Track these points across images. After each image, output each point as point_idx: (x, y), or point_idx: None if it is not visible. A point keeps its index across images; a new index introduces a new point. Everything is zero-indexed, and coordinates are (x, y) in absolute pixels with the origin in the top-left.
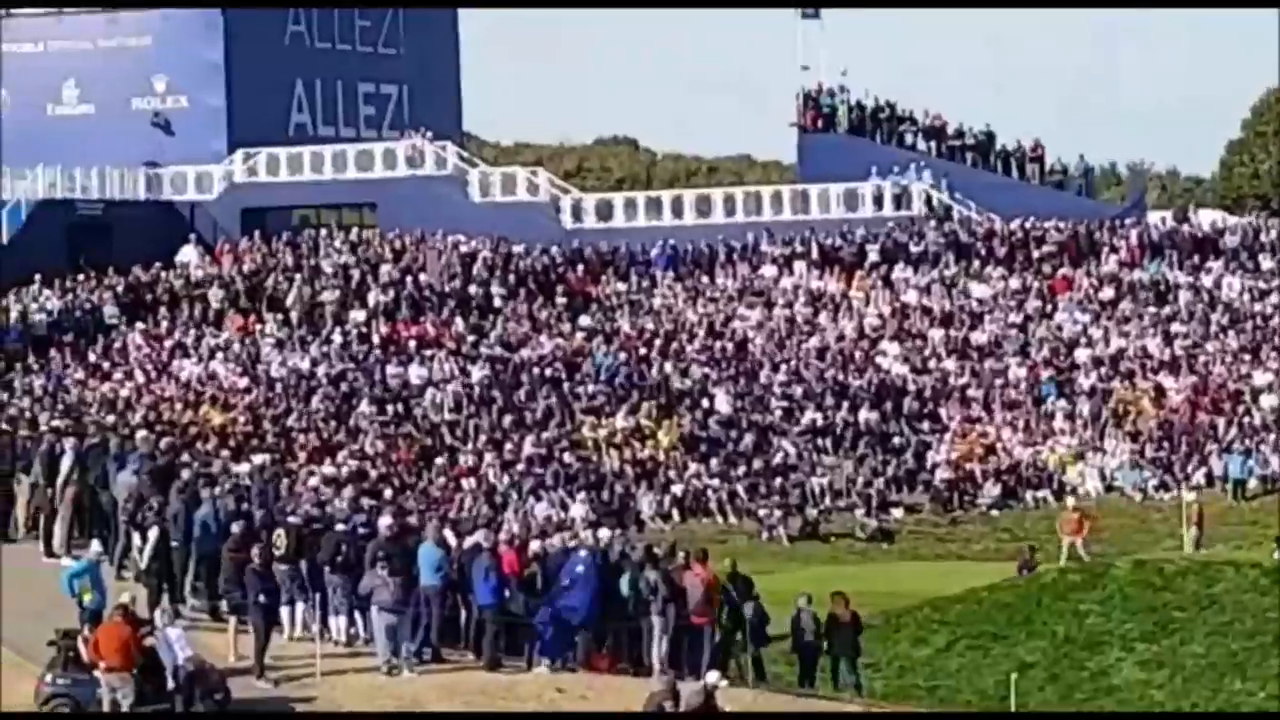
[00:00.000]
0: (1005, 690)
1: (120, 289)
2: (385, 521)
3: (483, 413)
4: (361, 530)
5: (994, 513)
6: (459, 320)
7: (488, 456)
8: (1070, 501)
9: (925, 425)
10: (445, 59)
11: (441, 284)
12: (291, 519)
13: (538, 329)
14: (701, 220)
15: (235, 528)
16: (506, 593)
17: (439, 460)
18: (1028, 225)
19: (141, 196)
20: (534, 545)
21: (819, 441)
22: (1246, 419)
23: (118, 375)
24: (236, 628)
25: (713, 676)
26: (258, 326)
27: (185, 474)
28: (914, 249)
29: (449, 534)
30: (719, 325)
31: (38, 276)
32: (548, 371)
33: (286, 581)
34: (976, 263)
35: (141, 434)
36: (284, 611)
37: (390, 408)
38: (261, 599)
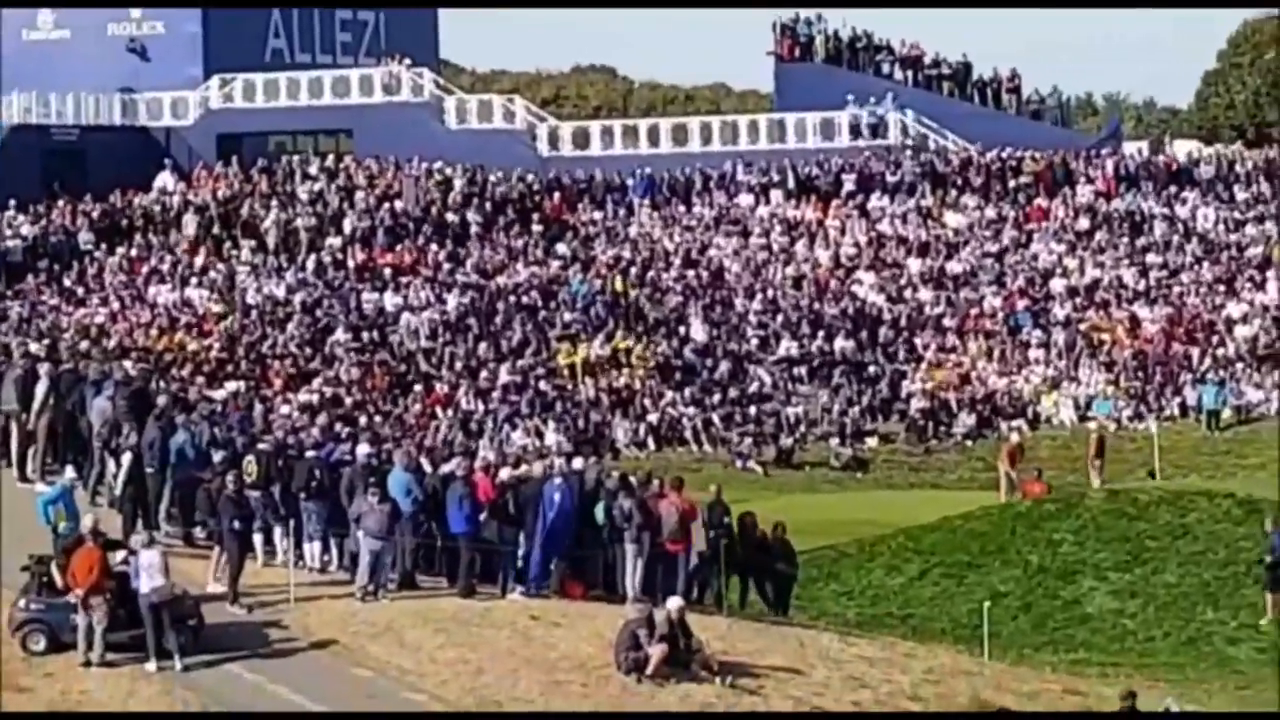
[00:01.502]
0: (978, 619)
1: (95, 215)
2: (365, 449)
3: (458, 340)
4: (336, 457)
5: (969, 442)
6: (435, 247)
7: (463, 384)
8: (1005, 430)
9: (901, 354)
10: None
11: (417, 211)
12: (262, 445)
13: (513, 257)
14: (678, 149)
15: (217, 456)
16: (481, 520)
17: (415, 388)
18: (1004, 155)
19: (117, 122)
20: (509, 473)
21: (794, 370)
22: (1220, 350)
23: (93, 301)
24: (218, 555)
25: (674, 602)
26: (233, 253)
27: (161, 401)
28: (890, 178)
29: (424, 461)
30: (695, 254)
31: (12, 202)
32: (524, 299)
33: (259, 508)
34: (952, 192)
35: (117, 361)
36: (257, 538)
37: (366, 335)
38: (235, 525)
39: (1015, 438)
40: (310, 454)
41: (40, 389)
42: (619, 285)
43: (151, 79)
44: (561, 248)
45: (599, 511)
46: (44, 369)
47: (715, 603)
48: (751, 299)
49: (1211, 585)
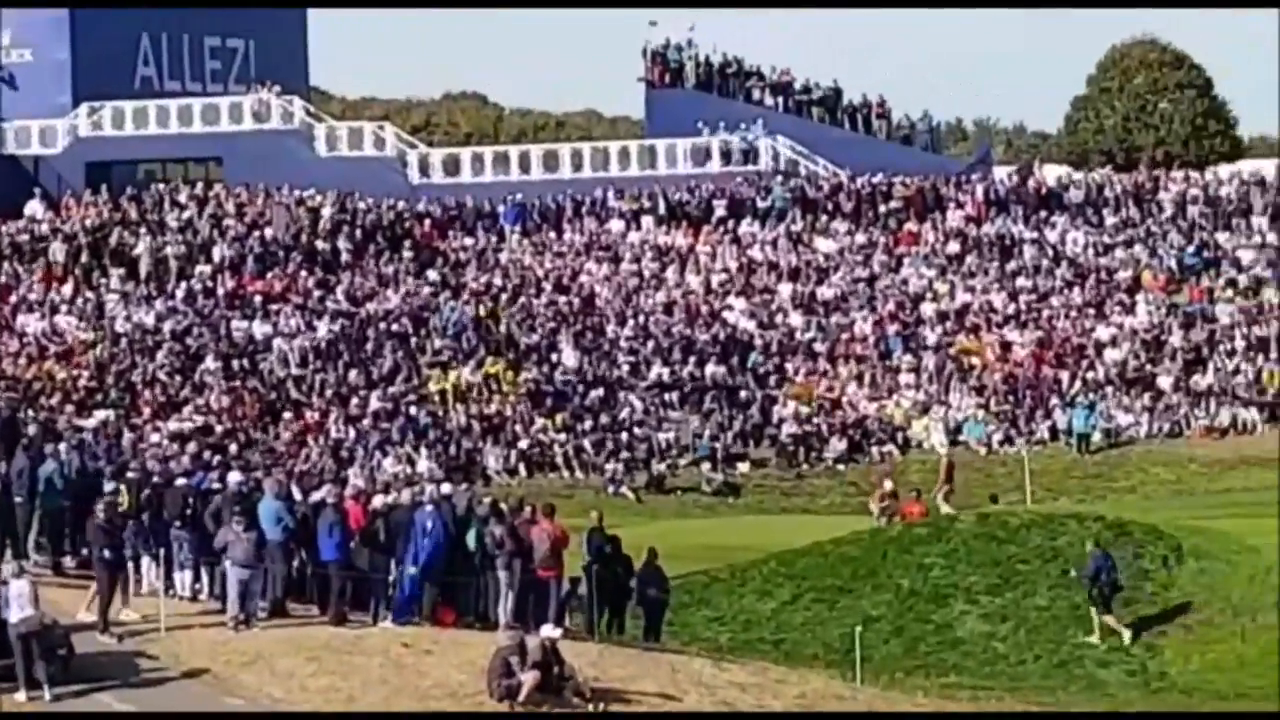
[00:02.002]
0: (850, 643)
1: None
2: (236, 477)
3: (329, 367)
4: (207, 485)
5: (840, 467)
6: (305, 275)
7: (334, 411)
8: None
9: (772, 380)
10: (292, 13)
11: (287, 239)
12: (132, 474)
13: (384, 284)
14: (549, 175)
15: (109, 486)
16: (352, 547)
17: (285, 415)
18: (874, 180)
19: None
20: (380, 500)
21: (665, 396)
22: (1090, 373)
23: None
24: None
25: (547, 629)
26: (102, 281)
27: (30, 430)
28: (761, 204)
29: (294, 489)
30: (566, 280)
31: None
32: (394, 326)
33: (131, 537)
34: (823, 218)
35: None
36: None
37: (236, 363)
38: (105, 554)
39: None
40: (181, 482)
41: None
42: (490, 312)
43: (20, 107)
44: (432, 274)
45: (471, 538)
46: None
47: (588, 629)
48: (623, 325)
49: (1082, 608)
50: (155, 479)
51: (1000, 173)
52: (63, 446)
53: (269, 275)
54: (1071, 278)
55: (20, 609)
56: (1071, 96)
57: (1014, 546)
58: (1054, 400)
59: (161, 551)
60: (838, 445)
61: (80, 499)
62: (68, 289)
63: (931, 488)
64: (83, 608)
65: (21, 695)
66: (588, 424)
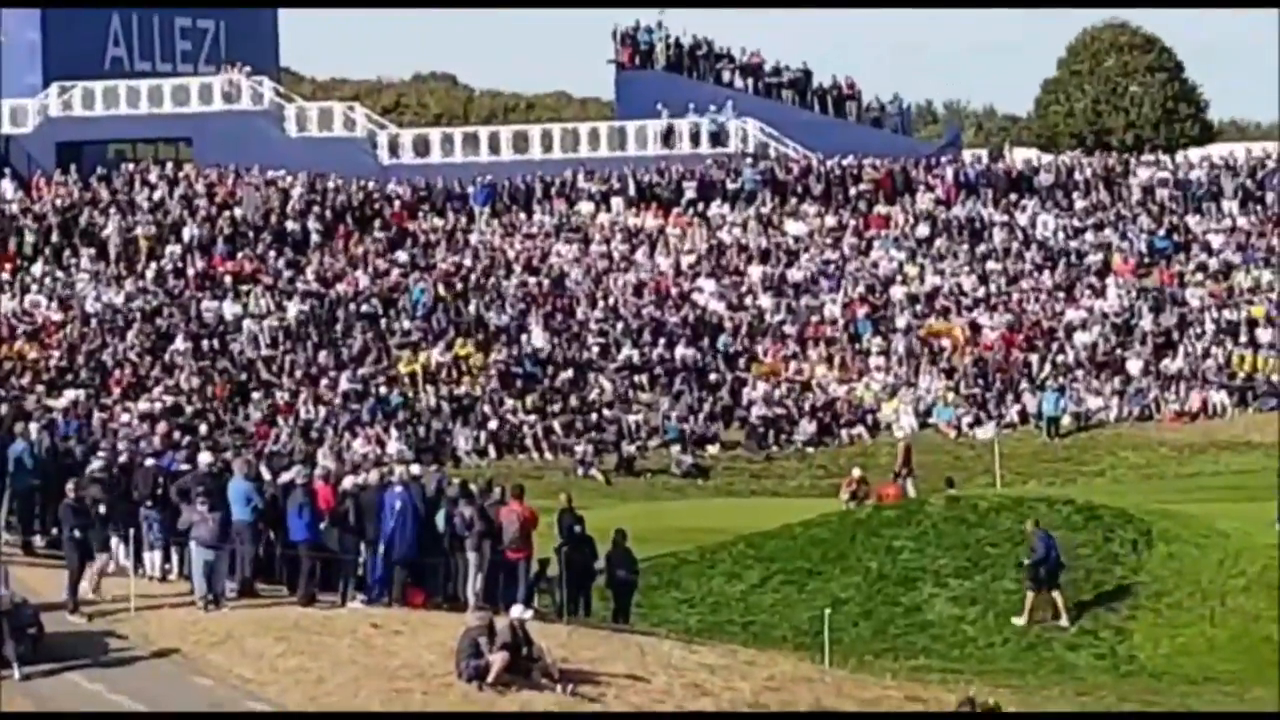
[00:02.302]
0: (819, 626)
1: None
2: (205, 458)
3: (299, 348)
4: (177, 466)
5: (809, 449)
6: (275, 255)
7: (304, 392)
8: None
9: (741, 362)
10: None
11: (257, 219)
12: (103, 454)
13: (354, 264)
14: (519, 156)
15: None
16: (321, 528)
17: (255, 396)
18: (844, 163)
19: None
20: (349, 481)
21: (635, 378)
22: (1060, 356)
23: None
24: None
25: (516, 610)
26: (73, 261)
27: (1, 409)
28: (731, 186)
29: (264, 469)
30: (536, 262)
31: None
32: (364, 307)
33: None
34: (793, 200)
35: None
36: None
37: (206, 343)
38: (75, 534)
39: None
40: (150, 462)
41: None
42: (459, 293)
43: None
44: (402, 255)
45: (440, 519)
46: None
47: (556, 611)
48: (593, 307)
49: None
50: (123, 459)
51: (970, 155)
52: (33, 426)
53: (239, 256)
54: (1041, 261)
55: None
56: (1041, 79)
57: (983, 530)
58: (1024, 383)
59: (131, 532)
60: (807, 428)
61: (50, 479)
62: (38, 269)
63: (898, 472)
64: (89, 586)
65: None
66: (557, 406)
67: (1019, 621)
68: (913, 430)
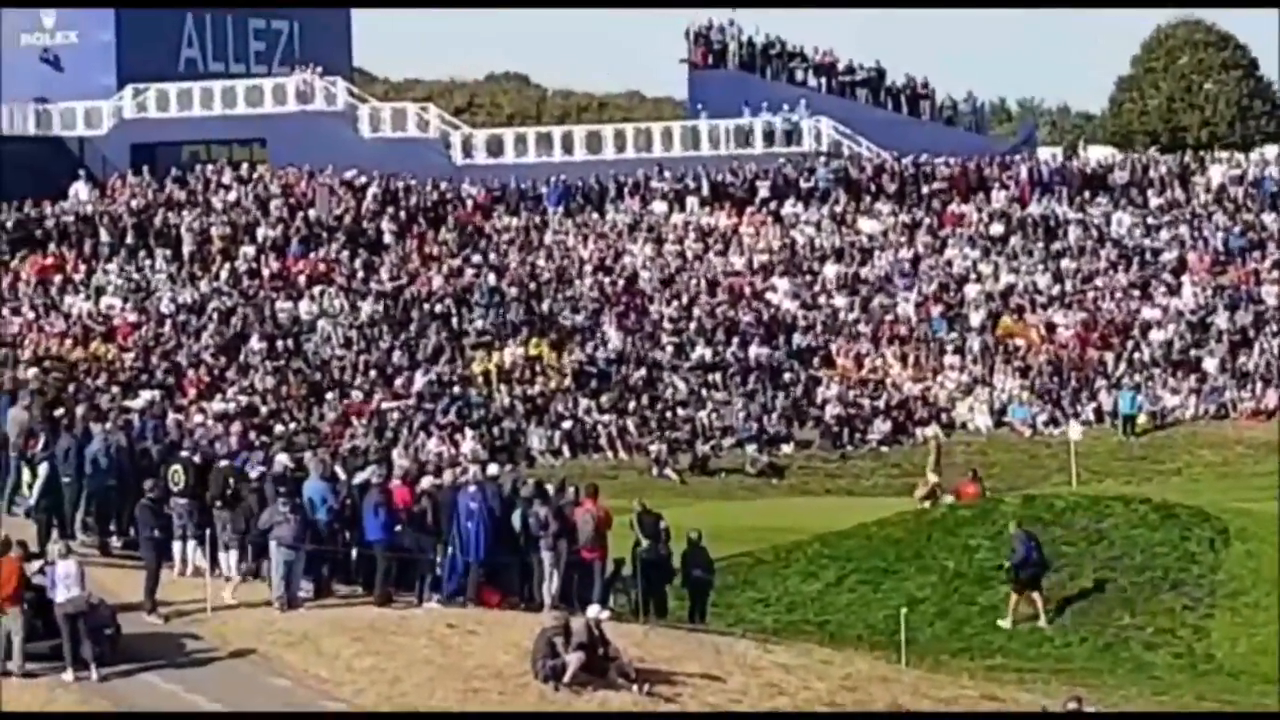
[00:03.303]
0: (895, 625)
1: (9, 225)
2: (283, 458)
3: (373, 348)
4: (251, 466)
5: (884, 448)
6: (349, 256)
7: (378, 392)
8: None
9: (815, 361)
10: None
11: (331, 220)
12: (185, 454)
13: (428, 264)
14: (592, 156)
15: (175, 467)
16: (397, 528)
17: (329, 396)
18: (918, 161)
19: (31, 132)
20: (425, 481)
21: (709, 377)
22: (1135, 354)
23: (5, 312)
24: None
25: (593, 610)
26: (147, 262)
27: (78, 410)
28: (804, 185)
29: (339, 469)
30: (609, 261)
31: None
32: (438, 307)
33: (184, 516)
34: (867, 199)
35: (33, 370)
36: (176, 547)
37: (280, 343)
38: (153, 534)
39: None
40: (224, 463)
41: None
42: (533, 293)
43: (65, 89)
44: (476, 255)
45: (515, 519)
46: None
47: (632, 610)
48: (666, 306)
49: (1128, 591)
50: (199, 459)
51: (1044, 154)
52: (108, 426)
53: (313, 256)
54: (1116, 259)
55: (67, 589)
56: (1116, 77)
57: (1059, 529)
58: (1099, 382)
59: (207, 532)
60: (882, 426)
61: (126, 479)
62: (113, 270)
63: (978, 470)
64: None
65: (69, 675)
66: (631, 405)
67: (1005, 624)
68: (988, 429)
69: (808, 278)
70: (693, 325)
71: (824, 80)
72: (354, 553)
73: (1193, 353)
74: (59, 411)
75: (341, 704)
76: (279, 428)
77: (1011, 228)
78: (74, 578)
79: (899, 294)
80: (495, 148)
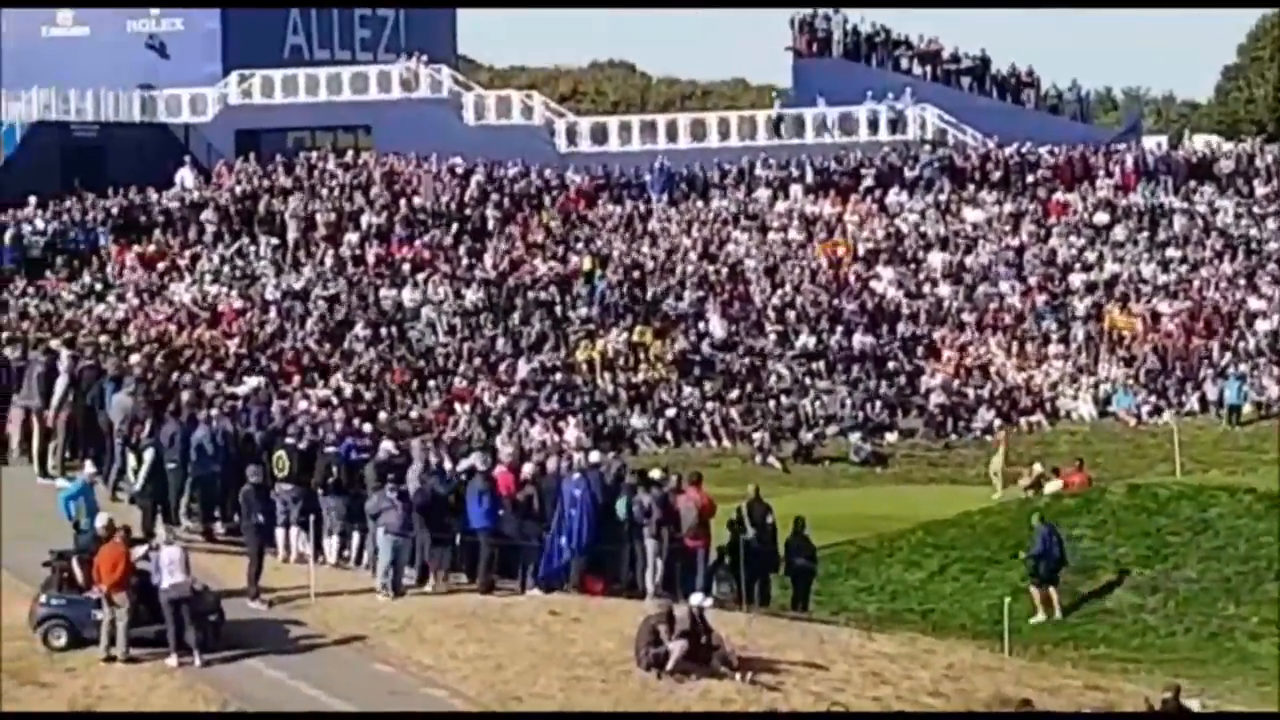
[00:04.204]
0: (998, 614)
1: (115, 211)
2: (387, 445)
3: (476, 335)
4: (355, 453)
5: (988, 437)
6: (453, 243)
7: (482, 379)
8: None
9: (919, 349)
10: None
11: (436, 206)
12: (291, 440)
13: (532, 252)
14: (696, 144)
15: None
16: (501, 515)
17: (433, 383)
18: (1023, 150)
19: (136, 119)
20: (528, 468)
21: (813, 365)
22: (1241, 344)
23: (110, 297)
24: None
25: (696, 598)
26: (252, 249)
27: (183, 396)
28: (909, 173)
29: (443, 456)
30: (713, 249)
31: (32, 198)
32: (542, 294)
33: (288, 502)
34: (971, 187)
35: (135, 356)
36: (280, 533)
37: (384, 330)
38: (256, 520)
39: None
40: (330, 450)
41: (60, 384)
42: (637, 280)
43: (171, 75)
44: (580, 243)
45: (620, 507)
46: (63, 364)
47: (736, 598)
48: (770, 294)
49: (1233, 581)
50: (303, 446)
51: (1150, 142)
52: (214, 413)
53: (417, 243)
54: (1221, 248)
55: (171, 575)
56: (1222, 66)
57: (1164, 518)
58: (1204, 371)
59: (311, 518)
60: (986, 415)
61: (231, 466)
62: (217, 256)
63: (1082, 458)
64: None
65: (173, 660)
66: (735, 393)
67: (1039, 619)
68: (1091, 418)
69: (912, 266)
70: (796, 313)
71: (929, 68)
72: (458, 540)
73: None
74: (164, 398)
75: (444, 691)
76: (383, 414)
77: (1116, 217)
78: (178, 563)
79: (1003, 283)
80: (599, 135)
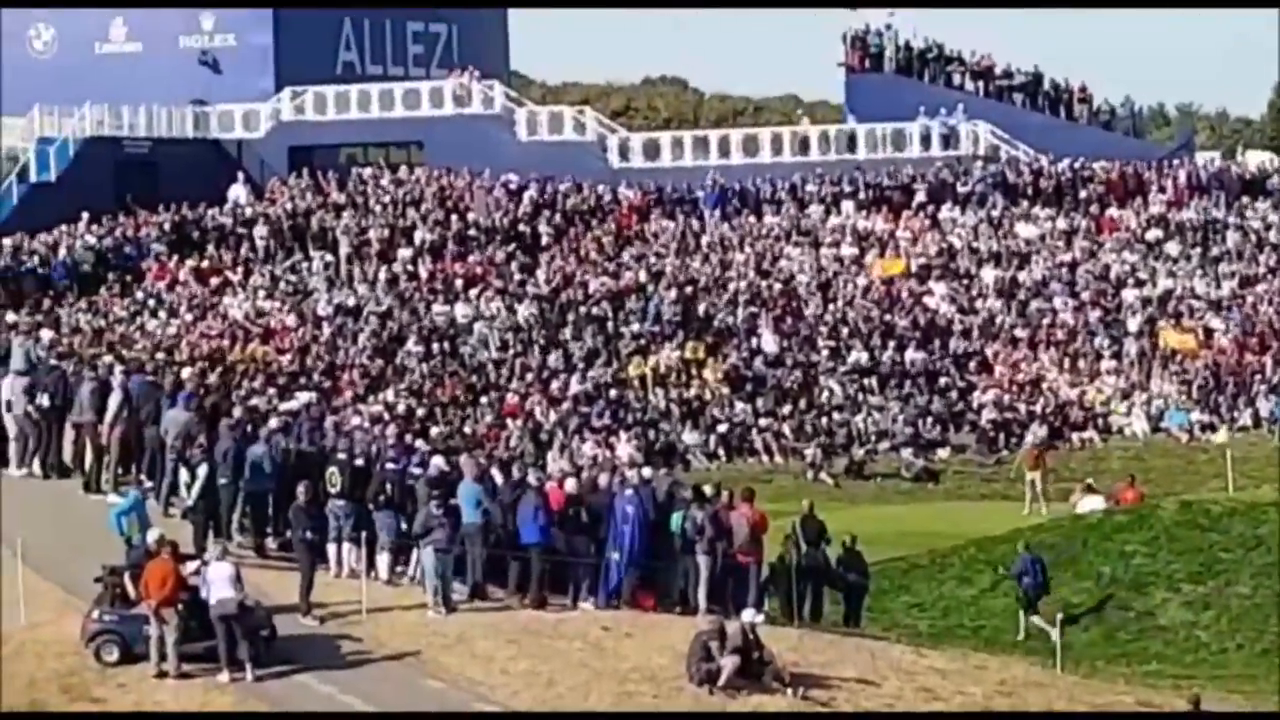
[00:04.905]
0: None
1: (167, 226)
2: (437, 461)
3: (529, 351)
4: (407, 469)
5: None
6: (505, 258)
7: (533, 395)
8: (1029, 438)
9: (971, 365)
10: None
11: (488, 222)
12: (343, 456)
13: (584, 267)
14: (748, 160)
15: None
16: (552, 531)
17: (485, 399)
18: (1075, 165)
19: (189, 134)
20: (581, 484)
21: (865, 381)
22: None
23: (163, 313)
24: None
25: (748, 614)
26: (304, 264)
27: (236, 412)
28: (961, 189)
29: (494, 471)
30: (765, 264)
31: (85, 214)
32: (594, 310)
33: (341, 518)
34: (1024, 203)
35: (188, 371)
36: (331, 549)
37: (436, 346)
38: (307, 536)
39: (1028, 441)
40: (390, 466)
41: (114, 400)
42: (689, 296)
43: (223, 91)
44: (632, 259)
45: (675, 521)
46: (117, 380)
47: (787, 614)
48: (822, 309)
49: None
50: (357, 462)
51: (1202, 158)
52: (273, 426)
53: (470, 258)
54: (1275, 264)
55: (222, 590)
56: (1276, 82)
57: (1216, 534)
58: (1257, 387)
59: (363, 534)
60: (1038, 431)
61: (284, 481)
62: (270, 272)
63: (1135, 474)
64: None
65: (224, 676)
66: (787, 409)
67: (1020, 639)
68: (1144, 434)
69: (964, 282)
70: (848, 329)
71: (981, 84)
72: (509, 555)
73: None
74: (216, 414)
75: (495, 706)
76: (434, 430)
77: (1169, 232)
78: (230, 579)
79: (1056, 298)
80: (652, 151)
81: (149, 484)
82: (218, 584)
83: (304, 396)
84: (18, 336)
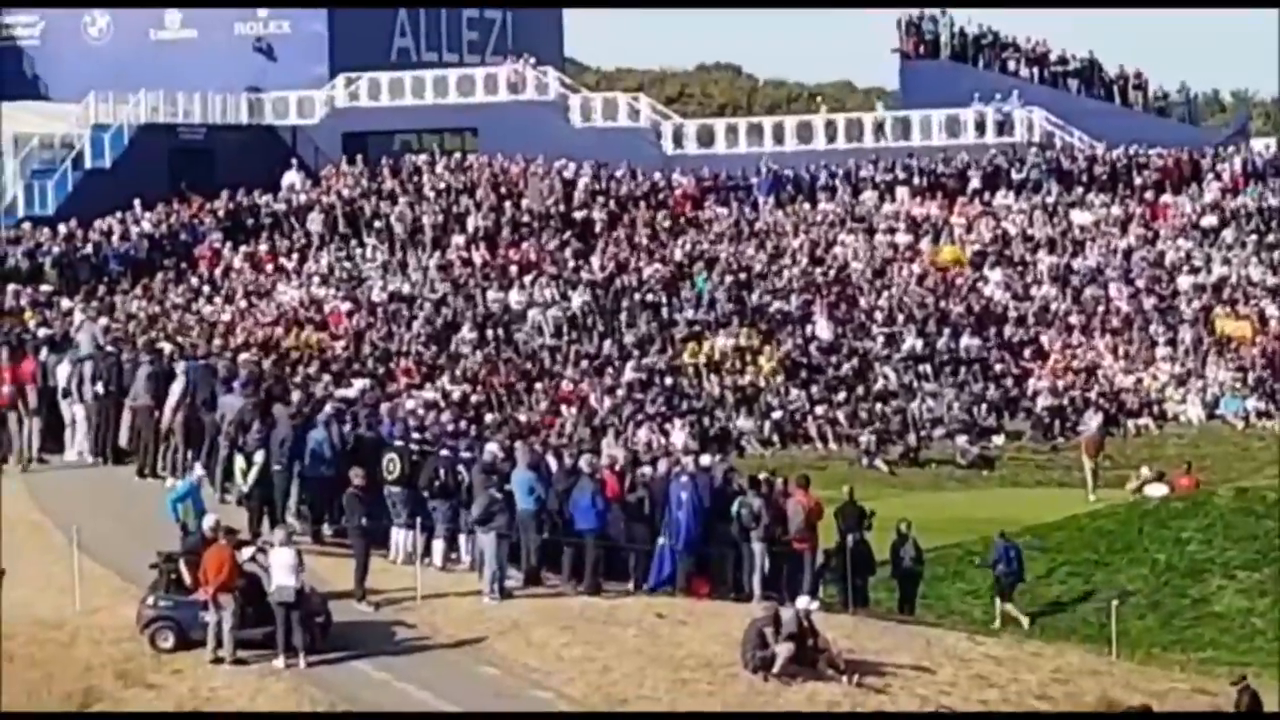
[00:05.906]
0: (1106, 617)
1: (221, 213)
2: (492, 447)
3: (583, 338)
4: (463, 455)
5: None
6: (559, 245)
7: (588, 382)
8: (1091, 424)
9: (1026, 352)
10: None
11: (542, 209)
12: (400, 442)
13: (638, 254)
14: (802, 146)
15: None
16: (608, 517)
17: (539, 385)
18: (1130, 152)
19: (243, 121)
20: (637, 470)
21: (920, 368)
22: None
23: (218, 300)
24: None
25: (803, 601)
26: (359, 251)
27: (294, 397)
28: (1016, 175)
29: (549, 458)
30: (820, 251)
31: (139, 201)
32: (648, 297)
33: (398, 505)
34: (1079, 189)
35: (244, 357)
36: (393, 533)
37: (490, 332)
38: (361, 522)
39: (1093, 427)
40: (445, 453)
41: (176, 386)
42: (744, 283)
43: (278, 78)
44: (686, 245)
45: (733, 509)
46: (179, 366)
47: (842, 601)
48: (877, 296)
49: None
50: (413, 449)
51: (1258, 144)
52: (330, 411)
53: (524, 245)
54: None
55: (281, 576)
56: None
57: (1272, 521)
58: None
59: (419, 521)
60: (1093, 418)
61: (341, 468)
62: (324, 258)
63: (1190, 461)
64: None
65: (279, 662)
66: (841, 396)
67: (994, 627)
68: (1200, 421)
69: (1019, 268)
70: (903, 316)
71: (1036, 70)
72: (564, 542)
73: None
74: (271, 400)
75: (550, 693)
76: (489, 417)
77: (1224, 219)
78: (290, 565)
79: (1111, 285)
80: (706, 138)
81: (201, 471)
82: (279, 570)
83: (360, 383)
84: (86, 322)
